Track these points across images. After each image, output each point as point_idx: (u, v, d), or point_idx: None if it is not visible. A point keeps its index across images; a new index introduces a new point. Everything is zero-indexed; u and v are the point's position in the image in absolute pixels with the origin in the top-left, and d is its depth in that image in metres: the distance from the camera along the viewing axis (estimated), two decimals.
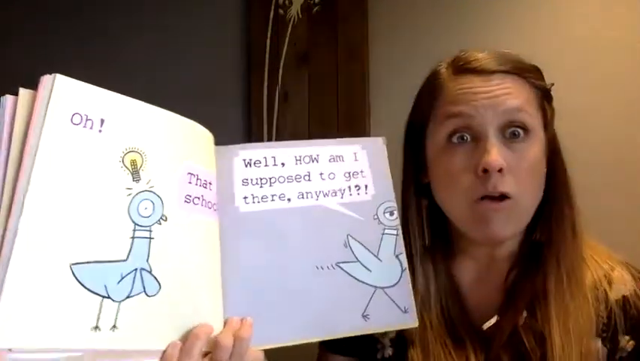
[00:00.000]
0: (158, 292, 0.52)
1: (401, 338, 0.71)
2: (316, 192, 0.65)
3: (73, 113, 0.48)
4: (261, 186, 0.64)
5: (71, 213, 0.47)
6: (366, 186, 0.67)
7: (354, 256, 0.64)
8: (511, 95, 0.66)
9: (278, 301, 0.61)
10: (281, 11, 1.39)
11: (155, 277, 0.52)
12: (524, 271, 0.70)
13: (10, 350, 0.44)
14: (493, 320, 0.69)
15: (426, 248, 0.73)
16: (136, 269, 0.51)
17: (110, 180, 0.50)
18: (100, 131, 0.49)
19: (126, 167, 0.51)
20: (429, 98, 0.71)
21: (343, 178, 0.67)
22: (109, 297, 0.49)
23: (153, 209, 0.52)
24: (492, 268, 0.73)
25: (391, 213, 0.67)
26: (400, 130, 1.30)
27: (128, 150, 0.51)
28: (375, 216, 0.66)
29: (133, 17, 1.55)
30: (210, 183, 0.59)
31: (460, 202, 0.67)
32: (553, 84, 0.72)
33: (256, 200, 0.63)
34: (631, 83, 1.18)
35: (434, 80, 0.71)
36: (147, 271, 0.51)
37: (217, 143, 0.63)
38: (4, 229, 0.44)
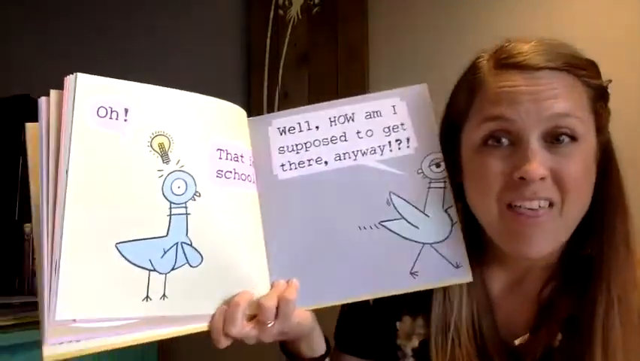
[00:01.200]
0: (201, 263, 0.56)
1: (424, 348, 0.66)
2: (354, 152, 0.64)
3: (99, 107, 0.52)
4: (297, 152, 0.65)
5: (109, 198, 0.52)
6: (408, 140, 0.65)
7: (398, 213, 0.63)
8: (559, 99, 0.58)
9: (323, 263, 0.62)
10: (281, 12, 1.40)
11: (197, 249, 0.56)
12: (563, 287, 0.64)
13: (74, 320, 0.51)
14: (524, 337, 0.63)
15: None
16: (177, 243, 0.55)
17: (141, 165, 0.54)
18: (125, 120, 0.53)
19: (155, 150, 0.54)
20: (467, 93, 0.64)
21: (382, 134, 0.65)
22: (155, 270, 0.54)
23: (186, 187, 0.56)
24: (526, 279, 0.67)
25: (437, 165, 0.64)
26: None
27: (155, 135, 0.55)
28: (420, 170, 0.64)
29: (133, 17, 1.59)
30: (242, 156, 0.61)
31: (492, 209, 0.60)
32: (610, 81, 0.62)
33: (293, 166, 0.64)
34: (630, 82, 1.12)
35: (474, 74, 0.63)
36: (188, 244, 0.55)
37: None
38: (54, 218, 0.50)
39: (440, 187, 0.63)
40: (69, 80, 0.51)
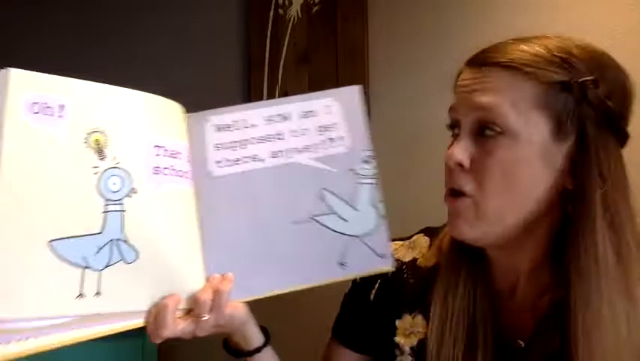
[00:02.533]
0: (136, 259, 0.56)
1: (422, 348, 0.67)
2: (289, 149, 0.67)
3: (32, 102, 0.51)
4: (234, 150, 0.66)
5: (42, 195, 0.51)
6: (341, 138, 0.68)
7: (330, 208, 0.66)
8: (486, 92, 0.59)
9: (257, 257, 0.65)
10: (281, 11, 1.39)
11: (132, 246, 0.56)
12: (561, 296, 0.61)
13: (1, 321, 0.50)
14: (524, 341, 0.64)
15: (467, 257, 0.67)
16: (112, 240, 0.55)
17: (76, 161, 0.53)
18: (60, 116, 0.52)
19: (91, 147, 0.54)
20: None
21: (317, 133, 0.68)
22: (89, 267, 0.54)
23: (122, 183, 0.56)
24: (520, 286, 0.66)
25: (368, 163, 0.68)
26: (400, 130, 1.29)
27: (91, 131, 0.54)
28: (352, 168, 0.67)
29: (132, 18, 1.55)
30: (180, 153, 0.61)
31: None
32: (592, 80, 0.58)
33: (229, 163, 0.66)
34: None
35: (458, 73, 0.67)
36: (123, 241, 0.56)
37: None
38: None
39: (370, 183, 0.67)
40: (1, 74, 0.49)
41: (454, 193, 0.63)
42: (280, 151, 0.67)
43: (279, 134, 0.67)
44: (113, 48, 1.55)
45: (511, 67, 0.59)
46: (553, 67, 0.59)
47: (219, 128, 0.66)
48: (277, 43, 1.38)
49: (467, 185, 0.61)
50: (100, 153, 0.54)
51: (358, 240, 0.66)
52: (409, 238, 0.77)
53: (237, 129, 0.67)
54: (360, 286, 0.75)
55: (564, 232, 0.60)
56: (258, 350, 0.67)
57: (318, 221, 0.66)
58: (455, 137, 0.64)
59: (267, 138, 0.67)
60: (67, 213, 0.53)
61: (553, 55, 0.59)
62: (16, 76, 0.50)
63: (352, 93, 0.69)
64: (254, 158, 0.66)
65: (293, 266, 0.65)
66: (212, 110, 0.67)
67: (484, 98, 0.60)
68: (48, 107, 0.52)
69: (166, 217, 0.59)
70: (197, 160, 0.65)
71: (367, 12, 1.30)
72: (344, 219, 0.66)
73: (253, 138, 0.67)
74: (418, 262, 0.73)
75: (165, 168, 0.59)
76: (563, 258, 0.60)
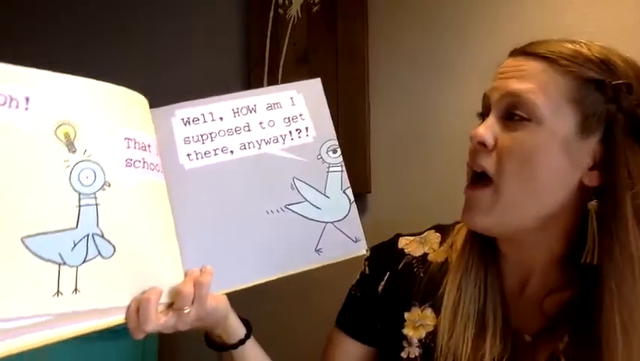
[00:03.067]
0: (113, 254, 0.55)
1: (429, 340, 0.67)
2: (257, 141, 0.68)
3: None
4: (203, 143, 0.66)
5: (12, 191, 0.50)
6: (306, 129, 0.70)
7: (302, 196, 0.68)
8: (520, 79, 0.61)
9: (234, 248, 0.65)
10: (281, 11, 1.38)
11: (108, 240, 0.55)
12: (574, 299, 0.62)
13: None
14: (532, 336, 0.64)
15: (480, 250, 0.68)
16: (87, 235, 0.54)
17: (46, 155, 0.52)
18: (26, 109, 0.51)
19: (60, 140, 0.53)
20: None
21: (283, 124, 0.69)
22: (65, 263, 0.52)
23: (95, 177, 0.55)
24: (531, 278, 0.66)
25: (334, 152, 0.70)
26: (400, 130, 1.31)
27: (60, 124, 0.53)
28: (319, 156, 0.69)
29: (132, 18, 1.53)
30: (149, 146, 0.61)
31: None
32: (622, 83, 0.59)
33: (199, 156, 0.66)
34: None
35: None
36: (99, 235, 0.54)
37: None
38: None
39: (338, 171, 0.69)
40: None
41: (475, 179, 0.63)
42: (249, 142, 0.68)
43: (247, 126, 0.68)
44: (113, 48, 1.50)
45: (548, 58, 0.61)
46: (590, 65, 0.60)
47: (187, 122, 0.67)
48: (277, 43, 1.37)
49: (489, 165, 0.61)
50: (70, 146, 0.53)
51: (332, 226, 0.68)
52: (420, 234, 0.77)
53: (205, 122, 0.67)
54: (368, 278, 0.76)
55: (581, 230, 0.60)
56: (242, 342, 0.67)
57: (291, 210, 0.67)
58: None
59: (236, 130, 0.68)
60: (40, 209, 0.51)
61: (595, 55, 0.60)
62: None
63: (314, 85, 0.72)
64: (223, 150, 0.67)
65: (270, 255, 0.65)
66: (176, 105, 0.67)
67: (517, 85, 0.61)
68: (13, 99, 0.50)
69: (141, 211, 0.58)
70: (167, 154, 0.64)
71: (367, 12, 1.30)
72: (316, 207, 0.68)
73: (221, 131, 0.67)
74: (428, 257, 0.74)
75: (137, 161, 0.58)
76: (576, 257, 0.60)
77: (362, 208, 1.24)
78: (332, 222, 0.68)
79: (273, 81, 1.35)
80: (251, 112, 0.69)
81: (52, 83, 0.53)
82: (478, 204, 0.62)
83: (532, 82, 0.60)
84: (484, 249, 0.68)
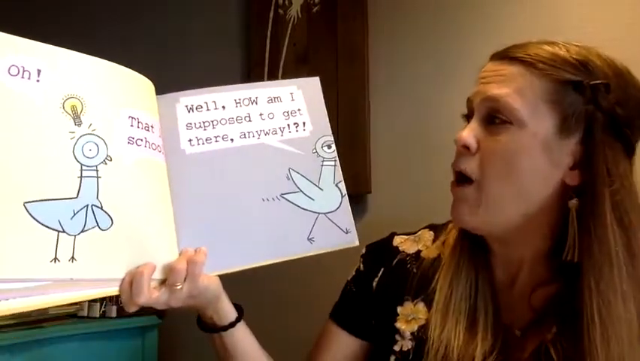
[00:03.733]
0: (111, 226, 0.57)
1: (422, 333, 0.69)
2: (257, 131, 0.70)
3: (10, 65, 0.52)
4: (205, 129, 0.69)
5: (18, 157, 0.52)
6: (304, 124, 0.72)
7: (297, 186, 0.70)
8: (499, 84, 0.63)
9: (229, 232, 0.66)
10: (281, 11, 1.39)
11: (107, 213, 0.57)
12: (559, 291, 0.64)
13: None
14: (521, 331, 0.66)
15: (471, 247, 0.70)
16: (87, 205, 0.56)
17: (53, 125, 0.54)
18: (38, 80, 0.54)
19: (67, 112, 0.55)
20: None
21: (282, 117, 0.72)
22: (64, 231, 0.54)
23: (97, 150, 0.57)
24: (519, 274, 0.68)
25: (329, 147, 0.72)
26: (400, 130, 1.32)
27: (68, 97, 0.56)
28: (314, 150, 0.72)
29: (132, 18, 1.55)
30: (152, 127, 0.63)
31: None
32: (599, 83, 0.60)
33: (200, 142, 0.68)
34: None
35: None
36: (98, 207, 0.56)
37: None
38: None
39: (331, 165, 0.71)
40: None
41: (460, 180, 0.65)
42: (249, 132, 0.70)
43: (248, 117, 0.71)
44: (113, 48, 1.50)
45: (526, 62, 0.62)
46: (568, 67, 0.62)
47: (190, 109, 0.69)
48: (277, 43, 1.38)
49: (471, 168, 0.63)
50: (76, 118, 0.56)
51: (324, 217, 0.69)
52: (415, 233, 0.80)
53: (208, 110, 0.70)
54: (363, 274, 0.78)
55: (565, 227, 0.62)
56: (232, 325, 0.68)
57: (286, 199, 0.69)
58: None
59: (237, 120, 0.70)
60: (44, 176, 0.53)
61: (572, 57, 0.62)
62: None
63: (314, 83, 0.75)
64: (224, 138, 0.69)
65: (264, 241, 0.67)
66: (181, 92, 0.70)
67: (496, 90, 0.63)
68: (26, 70, 0.53)
69: (140, 187, 0.60)
70: (169, 138, 0.67)
71: (367, 12, 1.31)
72: (310, 198, 0.70)
73: (223, 119, 0.70)
74: (421, 253, 0.76)
75: (139, 140, 0.61)
76: (561, 253, 0.62)
77: (362, 208, 1.26)
78: (324, 213, 0.70)
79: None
80: (252, 103, 0.71)
81: (63, 58, 0.56)
82: (465, 202, 0.64)
83: (510, 86, 0.62)
84: (474, 246, 0.70)
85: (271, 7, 1.40)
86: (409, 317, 0.71)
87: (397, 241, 0.78)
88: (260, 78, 1.37)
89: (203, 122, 0.69)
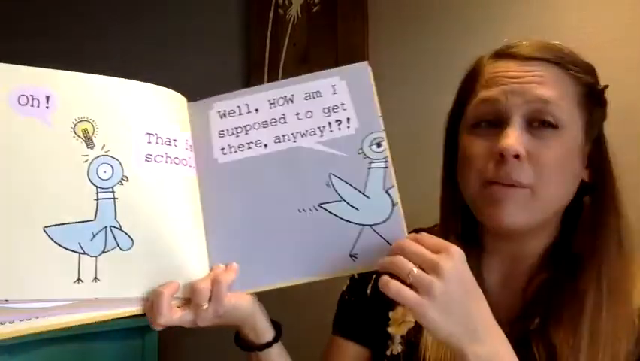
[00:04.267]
0: (132, 246, 0.57)
1: (412, 335, 0.68)
2: (293, 133, 0.63)
3: (19, 95, 0.53)
4: (237, 136, 0.64)
5: (35, 184, 0.54)
6: (348, 120, 0.63)
7: (338, 194, 0.62)
8: (544, 85, 0.62)
9: (263, 247, 0.62)
10: (281, 11, 1.39)
11: (127, 233, 0.57)
12: (551, 282, 0.65)
13: (6, 300, 0.53)
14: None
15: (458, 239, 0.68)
16: (105, 227, 0.56)
17: (65, 150, 0.55)
18: (47, 107, 0.54)
19: (79, 136, 0.56)
20: (469, 83, 0.69)
21: (322, 115, 0.63)
22: (85, 253, 0.55)
23: (112, 171, 0.56)
24: (516, 271, 0.68)
25: (378, 145, 0.62)
26: (400, 130, 1.23)
27: (78, 120, 0.56)
28: (360, 151, 0.62)
29: (132, 18, 1.60)
30: (175, 140, 0.61)
31: (473, 183, 0.64)
32: (607, 86, 0.66)
33: (233, 150, 0.64)
34: (631, 81, 1.06)
35: (474, 66, 0.69)
36: (117, 228, 0.56)
37: None
38: None
39: (381, 167, 0.61)
40: None
41: (510, 185, 0.62)
42: (285, 135, 0.64)
43: (283, 118, 0.64)
44: (113, 48, 1.59)
45: (559, 64, 0.63)
46: (588, 70, 0.65)
47: (223, 115, 0.65)
48: (277, 43, 1.38)
49: (525, 176, 0.61)
50: (88, 141, 0.56)
51: (370, 229, 0.60)
52: None
53: (241, 115, 0.65)
54: (358, 282, 0.76)
55: (573, 220, 0.66)
56: (269, 345, 0.64)
57: (326, 209, 0.62)
58: (485, 128, 0.64)
59: (271, 122, 0.64)
60: (60, 201, 0.55)
61: (583, 60, 0.65)
62: (1, 70, 0.53)
63: (360, 71, 0.64)
64: (257, 144, 0.64)
65: (300, 257, 0.61)
66: (215, 97, 0.66)
67: (544, 91, 0.61)
68: (35, 98, 0.54)
69: (163, 205, 0.59)
70: (202, 148, 0.64)
71: (367, 12, 1.30)
72: (354, 207, 0.61)
73: (256, 123, 0.64)
74: None
75: (159, 156, 0.59)
76: (560, 245, 0.66)
77: None
78: (370, 225, 0.61)
79: (273, 81, 1.34)
80: (288, 102, 0.64)
81: (71, 82, 0.56)
82: (516, 202, 0.61)
83: (555, 88, 0.62)
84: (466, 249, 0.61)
85: (271, 7, 1.39)
86: (399, 320, 0.70)
87: None
88: (260, 78, 1.37)
89: (236, 129, 0.64)
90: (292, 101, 0.64)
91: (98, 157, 0.56)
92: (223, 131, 0.64)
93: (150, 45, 1.58)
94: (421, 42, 1.24)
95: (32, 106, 0.54)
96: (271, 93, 0.65)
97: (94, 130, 0.56)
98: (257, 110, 0.65)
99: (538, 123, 0.62)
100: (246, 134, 0.64)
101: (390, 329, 0.70)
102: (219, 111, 0.65)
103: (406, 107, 1.23)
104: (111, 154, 0.57)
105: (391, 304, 0.70)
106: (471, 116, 0.66)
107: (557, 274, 0.65)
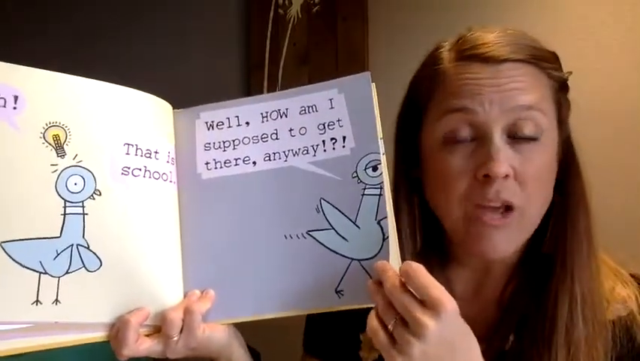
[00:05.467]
0: (99, 268, 0.52)
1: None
2: (284, 151, 0.59)
3: None
4: (224, 150, 0.59)
5: None
6: (344, 138, 0.58)
7: (328, 222, 0.57)
8: (523, 90, 0.56)
9: (243, 274, 0.57)
10: (281, 11, 1.39)
11: (94, 253, 0.51)
12: (523, 287, 0.62)
13: None
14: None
15: (420, 252, 0.63)
16: (72, 245, 0.51)
17: (32, 158, 0.49)
18: (15, 108, 0.49)
19: (48, 143, 0.50)
20: (427, 85, 0.62)
21: (316, 132, 0.58)
22: (46, 273, 0.50)
23: (84, 184, 0.51)
24: (488, 281, 0.64)
25: (374, 169, 0.57)
26: None
27: (49, 125, 0.50)
28: (355, 174, 0.57)
29: (132, 18, 1.57)
30: (157, 152, 0.56)
31: (455, 210, 0.58)
32: (570, 73, 0.61)
33: (218, 165, 0.59)
34: (630, 81, 1.08)
35: (434, 65, 0.61)
36: (84, 247, 0.51)
37: None
38: None
39: (375, 194, 0.57)
40: None
41: (500, 208, 0.57)
42: (275, 153, 0.59)
43: (275, 134, 0.59)
44: (113, 48, 1.58)
45: (533, 63, 0.58)
46: (556, 63, 0.60)
47: (210, 126, 0.60)
48: (277, 44, 1.39)
49: (515, 196, 0.57)
50: (59, 149, 0.50)
51: (358, 264, 0.56)
52: None
53: (229, 127, 0.60)
54: None
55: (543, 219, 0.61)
56: None
57: (314, 237, 0.57)
58: (459, 142, 0.58)
59: (262, 138, 0.59)
60: (23, 214, 0.49)
61: (549, 50, 0.60)
62: None
63: (361, 83, 0.59)
64: (245, 160, 0.59)
65: (282, 289, 0.56)
66: (204, 106, 0.60)
67: (527, 98, 0.56)
68: (1, 97, 0.48)
69: (137, 223, 0.53)
70: (185, 161, 0.59)
71: (367, 12, 1.31)
72: (343, 238, 0.56)
73: (245, 138, 0.59)
74: None
75: (137, 169, 0.54)
76: (534, 247, 0.62)
77: None
78: (359, 260, 0.56)
79: (273, 82, 1.35)
80: (281, 116, 0.59)
81: (44, 82, 0.50)
82: (506, 227, 0.57)
83: (534, 91, 0.57)
84: (434, 265, 0.63)
85: (271, 7, 1.39)
86: (370, 344, 0.64)
87: None
88: (260, 78, 1.36)
89: (223, 142, 0.59)
90: (286, 115, 0.59)
91: (68, 167, 0.51)
92: (209, 143, 0.59)
93: (150, 45, 1.56)
94: (420, 42, 1.23)
95: None
96: (264, 105, 0.60)
97: (66, 137, 0.51)
98: (247, 123, 0.60)
99: (519, 134, 0.57)
100: (234, 149, 0.59)
101: (362, 353, 0.66)
102: (207, 122, 0.60)
103: None
104: (84, 165, 0.51)
105: (362, 325, 0.63)
106: (441, 130, 0.59)
107: (530, 279, 0.62)
